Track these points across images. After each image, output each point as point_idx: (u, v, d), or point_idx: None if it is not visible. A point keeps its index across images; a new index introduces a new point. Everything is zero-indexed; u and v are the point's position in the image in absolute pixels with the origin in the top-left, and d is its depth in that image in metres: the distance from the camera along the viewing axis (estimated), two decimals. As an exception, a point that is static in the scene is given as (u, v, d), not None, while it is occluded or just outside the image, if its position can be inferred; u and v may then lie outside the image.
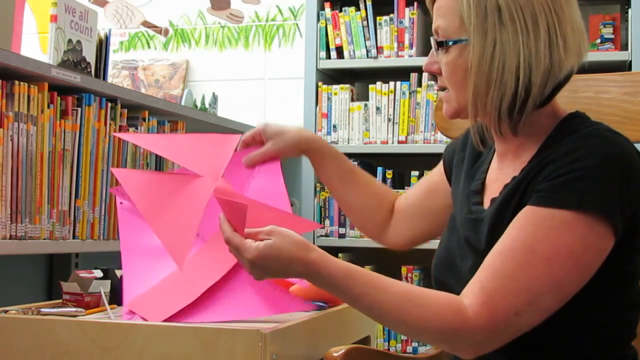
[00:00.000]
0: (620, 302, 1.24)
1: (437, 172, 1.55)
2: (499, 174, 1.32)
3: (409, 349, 3.36)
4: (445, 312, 1.16)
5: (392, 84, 3.44)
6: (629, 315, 1.26)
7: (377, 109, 3.44)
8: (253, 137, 1.58)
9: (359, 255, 3.61)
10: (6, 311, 1.46)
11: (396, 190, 1.65)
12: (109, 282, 1.59)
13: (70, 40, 2.27)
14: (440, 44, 1.27)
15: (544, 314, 1.17)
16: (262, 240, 1.22)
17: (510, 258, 1.16)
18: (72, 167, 2.12)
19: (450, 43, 1.25)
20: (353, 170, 1.62)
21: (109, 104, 2.26)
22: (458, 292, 1.20)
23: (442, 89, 1.31)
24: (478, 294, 1.16)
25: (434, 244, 1.42)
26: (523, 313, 1.15)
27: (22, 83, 1.94)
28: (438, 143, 3.34)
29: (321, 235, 3.47)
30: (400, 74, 3.46)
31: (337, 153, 1.61)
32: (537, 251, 1.16)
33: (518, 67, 1.21)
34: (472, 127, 1.32)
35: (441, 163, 1.55)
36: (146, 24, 4.20)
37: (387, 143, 3.43)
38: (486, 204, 1.31)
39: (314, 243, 3.39)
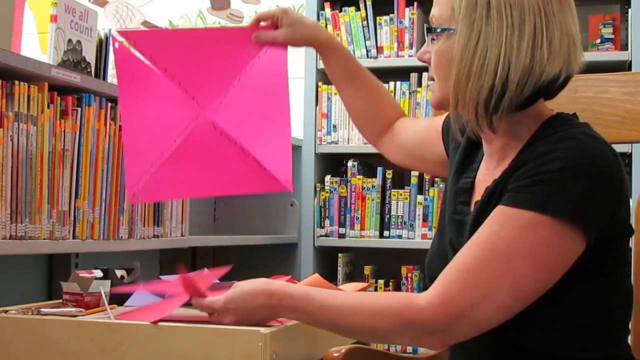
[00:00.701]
0: (609, 303, 1.24)
1: (436, 130, 1.55)
2: (485, 175, 1.33)
3: (409, 349, 3.36)
4: (394, 304, 1.20)
5: (392, 84, 3.45)
6: (618, 315, 1.27)
7: (377, 109, 3.44)
8: (269, 18, 1.58)
9: (359, 255, 3.61)
10: (6, 311, 1.47)
11: (405, 115, 1.71)
12: (109, 282, 1.59)
13: (70, 40, 2.26)
14: (429, 31, 1.29)
15: (504, 311, 1.18)
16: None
17: (473, 252, 1.19)
18: (72, 167, 2.12)
19: (438, 30, 1.28)
20: (360, 73, 1.64)
21: (109, 104, 2.26)
22: None
23: (432, 79, 1.34)
24: (437, 285, 1.19)
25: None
26: (479, 306, 1.17)
27: (22, 83, 1.94)
28: (438, 143, 3.33)
29: (321, 236, 3.47)
30: (400, 74, 3.45)
31: (346, 53, 1.64)
32: (498, 248, 1.17)
33: (498, 62, 1.22)
34: (452, 117, 1.33)
35: (441, 123, 1.54)
36: (146, 24, 4.20)
37: (387, 143, 3.42)
38: (472, 206, 1.32)
39: (314, 244, 3.43)
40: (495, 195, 1.25)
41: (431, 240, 1.43)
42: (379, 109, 1.64)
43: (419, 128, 1.62)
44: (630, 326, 1.32)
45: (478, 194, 1.31)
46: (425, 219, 3.35)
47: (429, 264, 1.39)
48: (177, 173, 1.52)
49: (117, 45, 1.53)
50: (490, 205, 1.24)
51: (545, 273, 1.18)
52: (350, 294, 1.28)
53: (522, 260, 1.16)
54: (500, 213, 1.20)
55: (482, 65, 1.22)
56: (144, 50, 1.54)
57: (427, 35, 1.32)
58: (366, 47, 3.47)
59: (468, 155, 1.40)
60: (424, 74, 3.41)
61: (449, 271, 1.20)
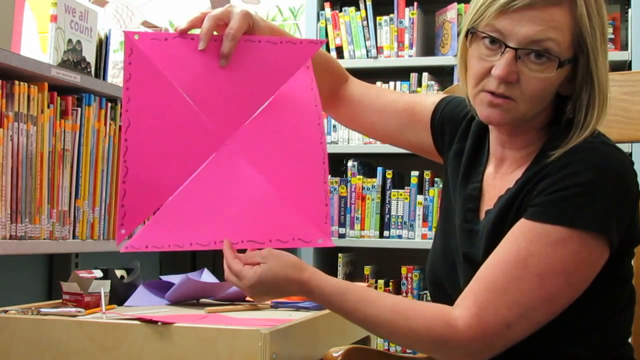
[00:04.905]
0: (615, 304, 1.25)
1: (420, 120, 1.48)
2: (496, 180, 1.31)
3: (409, 349, 3.36)
4: (434, 324, 1.19)
5: (392, 84, 3.45)
6: (622, 316, 1.28)
7: (377, 109, 3.44)
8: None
9: (359, 255, 3.61)
10: (6, 311, 1.47)
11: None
12: (109, 282, 1.59)
13: (70, 40, 2.27)
14: (561, 64, 1.20)
15: (536, 327, 1.19)
16: (259, 264, 1.25)
17: (504, 271, 1.18)
18: (72, 167, 2.12)
19: (566, 63, 1.21)
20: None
21: (109, 104, 2.26)
22: (453, 297, 1.22)
23: (504, 96, 1.21)
24: (471, 305, 1.18)
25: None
26: (514, 325, 1.17)
27: (22, 83, 1.94)
28: (438, 143, 3.33)
29: (321, 235, 3.46)
30: (400, 74, 3.45)
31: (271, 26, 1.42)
32: (530, 266, 1.17)
33: (607, 90, 1.25)
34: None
35: (428, 113, 1.47)
36: (146, 24, 4.20)
37: (387, 143, 3.42)
38: (482, 214, 1.31)
39: (314, 243, 3.42)
40: (514, 205, 1.23)
41: (432, 243, 1.42)
42: (322, 72, 1.47)
43: (395, 109, 1.52)
44: (632, 328, 1.32)
45: (488, 201, 1.30)
46: (425, 219, 3.35)
47: (432, 270, 1.38)
48: (186, 216, 1.28)
49: (133, 41, 1.28)
50: (509, 216, 1.23)
51: (576, 287, 1.18)
52: (384, 301, 1.23)
53: (555, 277, 1.16)
54: (527, 228, 1.19)
55: (607, 94, 1.25)
56: (156, 58, 1.29)
57: (516, 55, 1.19)
58: (366, 47, 3.47)
59: (473, 159, 1.37)
60: (424, 74, 3.41)
61: (480, 291, 1.19)
